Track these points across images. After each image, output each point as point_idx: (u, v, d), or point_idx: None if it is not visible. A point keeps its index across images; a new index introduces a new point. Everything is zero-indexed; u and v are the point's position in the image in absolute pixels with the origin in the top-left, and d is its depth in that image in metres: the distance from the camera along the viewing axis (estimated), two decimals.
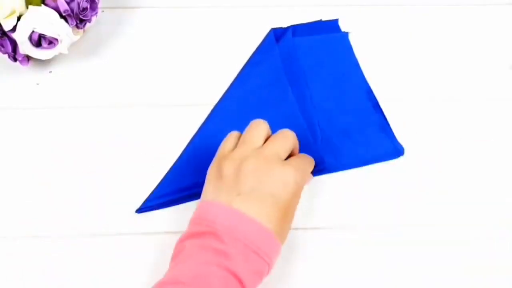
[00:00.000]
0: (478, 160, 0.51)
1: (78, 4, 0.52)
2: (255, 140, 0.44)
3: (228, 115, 0.53)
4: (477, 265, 0.46)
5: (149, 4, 0.60)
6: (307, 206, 0.48)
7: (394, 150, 0.52)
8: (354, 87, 0.55)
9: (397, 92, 0.55)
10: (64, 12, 0.52)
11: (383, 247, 0.47)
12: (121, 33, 0.58)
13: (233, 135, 0.45)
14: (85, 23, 0.54)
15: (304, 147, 0.48)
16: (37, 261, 0.46)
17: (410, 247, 0.47)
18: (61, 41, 0.53)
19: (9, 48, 0.53)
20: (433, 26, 0.60)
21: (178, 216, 0.48)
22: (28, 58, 0.54)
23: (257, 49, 0.57)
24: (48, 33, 0.52)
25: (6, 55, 0.53)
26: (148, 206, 0.48)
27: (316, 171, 0.49)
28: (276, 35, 0.58)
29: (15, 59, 0.54)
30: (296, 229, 0.47)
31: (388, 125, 0.53)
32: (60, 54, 0.54)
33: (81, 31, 0.56)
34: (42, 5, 0.52)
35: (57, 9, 0.52)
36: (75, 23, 0.53)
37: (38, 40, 0.52)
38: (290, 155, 0.45)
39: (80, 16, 0.53)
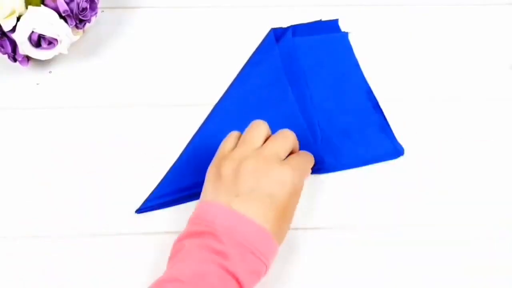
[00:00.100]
0: (478, 160, 0.51)
1: (78, 4, 0.52)
2: (255, 140, 0.44)
3: (228, 115, 0.53)
4: (477, 265, 0.46)
5: (149, 4, 0.60)
6: (307, 206, 0.48)
7: (394, 150, 0.51)
8: (354, 87, 0.55)
9: (397, 92, 0.55)
10: (64, 12, 0.52)
11: (383, 247, 0.47)
12: (121, 33, 0.58)
13: (233, 135, 0.45)
14: (85, 23, 0.54)
15: (304, 147, 0.48)
16: (37, 261, 0.46)
17: (410, 247, 0.47)
18: (60, 42, 0.53)
19: (9, 48, 0.53)
20: (433, 26, 0.60)
21: (178, 216, 0.48)
22: (28, 58, 0.54)
23: (257, 49, 0.57)
24: (48, 33, 0.52)
25: (6, 56, 0.54)
26: (148, 206, 0.48)
27: (316, 171, 0.49)
28: (276, 35, 0.58)
29: (15, 60, 0.54)
30: (296, 229, 0.47)
31: (388, 125, 0.53)
32: (60, 54, 0.54)
33: (80, 31, 0.56)
34: (42, 5, 0.52)
35: (56, 10, 0.52)
36: (74, 23, 0.53)
37: (38, 41, 0.52)
38: (290, 154, 0.45)
39: (80, 16, 0.53)
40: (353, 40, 0.58)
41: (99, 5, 0.55)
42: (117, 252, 0.46)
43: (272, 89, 0.54)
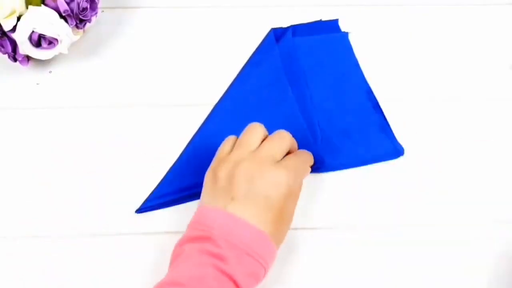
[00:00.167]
0: (478, 160, 0.51)
1: (78, 4, 0.52)
2: (251, 143, 0.44)
3: (228, 115, 0.53)
4: (477, 265, 0.46)
5: (149, 4, 0.60)
6: (306, 206, 0.48)
7: (394, 150, 0.51)
8: (354, 87, 0.55)
9: (397, 92, 0.55)
10: (64, 12, 0.52)
11: (383, 247, 0.47)
12: (121, 33, 0.58)
13: (230, 139, 0.46)
14: (85, 23, 0.55)
15: (304, 147, 0.48)
16: (37, 261, 0.46)
17: (410, 247, 0.47)
18: (61, 41, 0.53)
19: (9, 48, 0.53)
20: (433, 26, 0.60)
21: (178, 216, 0.48)
22: (28, 58, 0.54)
23: (257, 49, 0.57)
24: (48, 33, 0.52)
25: (6, 55, 0.54)
26: (148, 206, 0.48)
27: (316, 170, 0.49)
28: (276, 35, 0.58)
29: (15, 59, 0.54)
30: (295, 229, 0.47)
31: (388, 125, 0.53)
32: (60, 54, 0.54)
33: (81, 31, 0.56)
34: (42, 5, 0.52)
35: (57, 9, 0.52)
36: (75, 23, 0.53)
37: (38, 40, 0.52)
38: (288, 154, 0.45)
39: (80, 16, 0.53)
40: (353, 40, 0.58)
41: (99, 5, 0.55)
42: (117, 252, 0.46)
43: (272, 89, 0.54)
